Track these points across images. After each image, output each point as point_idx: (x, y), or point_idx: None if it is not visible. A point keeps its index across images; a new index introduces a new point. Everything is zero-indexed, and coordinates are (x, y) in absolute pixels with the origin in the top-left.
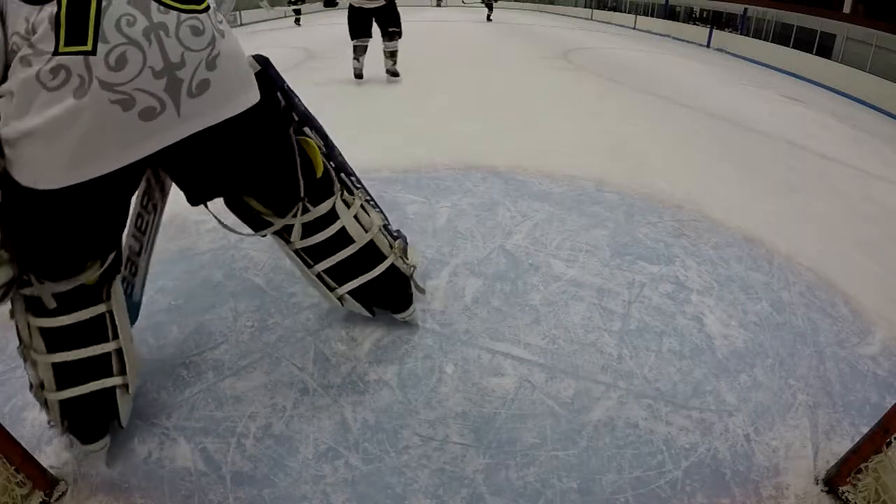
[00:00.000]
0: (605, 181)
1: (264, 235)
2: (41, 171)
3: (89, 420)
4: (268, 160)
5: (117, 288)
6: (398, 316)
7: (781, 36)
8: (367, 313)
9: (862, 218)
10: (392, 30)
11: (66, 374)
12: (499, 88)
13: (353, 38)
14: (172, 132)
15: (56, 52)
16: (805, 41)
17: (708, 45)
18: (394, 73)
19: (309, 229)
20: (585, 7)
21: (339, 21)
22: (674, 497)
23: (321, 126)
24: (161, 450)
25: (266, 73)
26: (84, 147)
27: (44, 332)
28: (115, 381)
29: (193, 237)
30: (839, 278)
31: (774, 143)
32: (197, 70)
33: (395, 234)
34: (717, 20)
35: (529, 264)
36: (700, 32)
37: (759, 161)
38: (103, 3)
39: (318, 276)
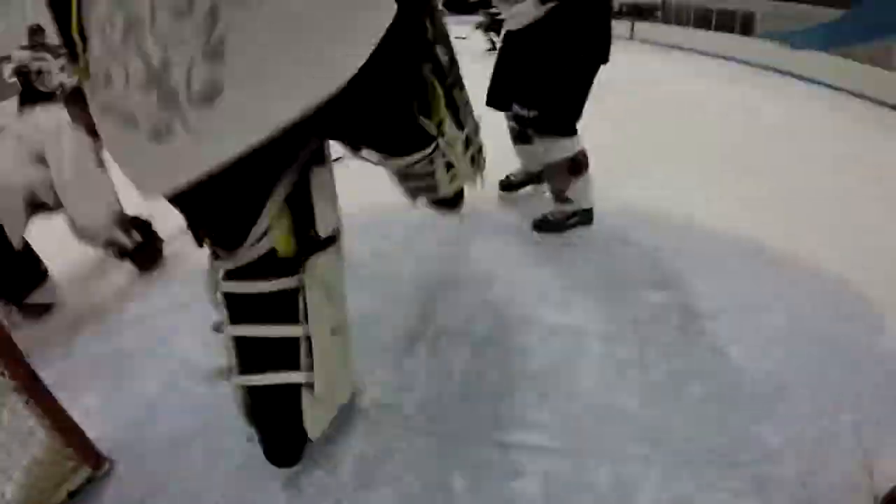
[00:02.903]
0: None
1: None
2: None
3: (277, 428)
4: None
5: (319, 265)
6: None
7: (703, 20)
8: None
9: (844, 198)
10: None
11: (248, 355)
12: None
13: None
14: (191, 164)
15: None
16: (726, 23)
17: (631, 38)
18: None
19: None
20: None
21: None
22: None
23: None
24: None
25: None
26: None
27: (228, 298)
28: (298, 377)
29: (116, 334)
30: (842, 270)
31: (732, 129)
32: (192, 71)
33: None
34: (636, 12)
35: (519, 318)
36: (622, 26)
37: (726, 151)
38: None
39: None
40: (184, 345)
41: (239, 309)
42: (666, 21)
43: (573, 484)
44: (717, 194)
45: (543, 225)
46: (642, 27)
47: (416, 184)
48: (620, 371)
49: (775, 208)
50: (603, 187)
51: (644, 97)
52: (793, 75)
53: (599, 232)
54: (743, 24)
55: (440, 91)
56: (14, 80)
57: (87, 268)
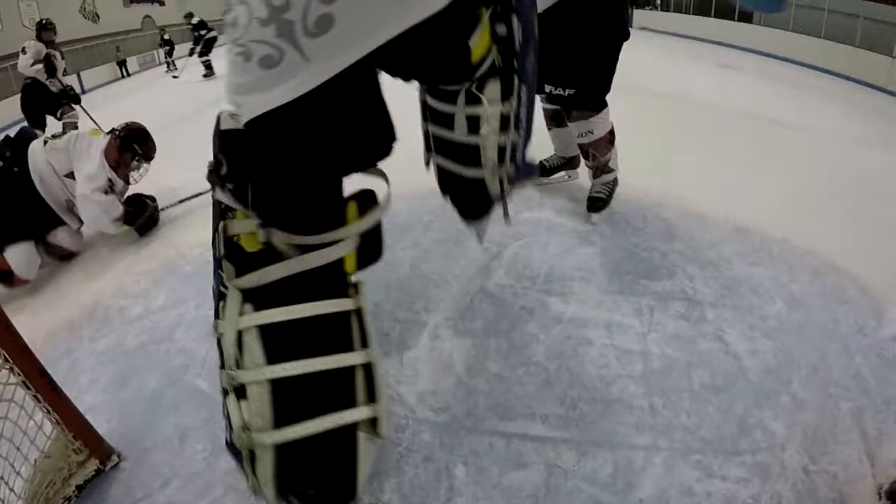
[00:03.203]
0: (573, 189)
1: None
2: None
3: (329, 485)
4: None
5: (364, 285)
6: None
7: (702, 7)
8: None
9: (836, 184)
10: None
11: (289, 402)
12: None
13: None
14: (304, 75)
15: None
16: (726, 9)
17: (631, 26)
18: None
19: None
20: None
21: None
22: None
23: (534, 27)
24: None
25: None
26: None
27: (265, 333)
28: (360, 413)
29: (119, 330)
30: (837, 255)
31: (726, 115)
32: (308, 9)
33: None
34: (635, 0)
35: (520, 308)
36: None
37: (719, 137)
38: None
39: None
40: (185, 340)
41: (282, 343)
42: (665, 8)
43: (575, 473)
44: (717, 182)
45: (598, 203)
46: (642, 15)
47: (447, 155)
48: (623, 361)
49: (776, 197)
50: None
51: (644, 86)
52: (793, 62)
53: (601, 221)
54: (742, 11)
55: (487, 26)
56: (38, 66)
57: (90, 266)
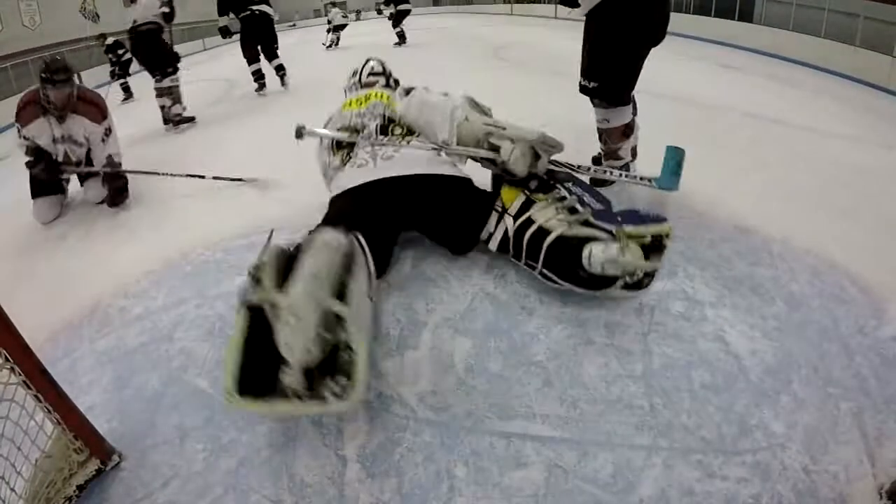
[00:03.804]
0: None
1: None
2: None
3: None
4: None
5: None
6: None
7: (702, 7)
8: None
9: (836, 184)
10: None
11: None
12: None
13: None
14: (372, 174)
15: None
16: (726, 9)
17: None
18: None
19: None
20: (505, 3)
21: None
22: None
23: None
24: None
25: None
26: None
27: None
28: None
29: (119, 330)
30: (837, 255)
31: (727, 114)
32: (387, 150)
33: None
34: None
35: (521, 308)
36: None
37: (722, 137)
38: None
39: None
40: (185, 340)
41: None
42: None
43: (575, 473)
44: (717, 182)
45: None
46: None
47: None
48: (624, 361)
49: (776, 196)
50: None
51: (644, 86)
52: (793, 61)
53: None
54: (742, 11)
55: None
56: (164, 10)
57: (90, 266)
